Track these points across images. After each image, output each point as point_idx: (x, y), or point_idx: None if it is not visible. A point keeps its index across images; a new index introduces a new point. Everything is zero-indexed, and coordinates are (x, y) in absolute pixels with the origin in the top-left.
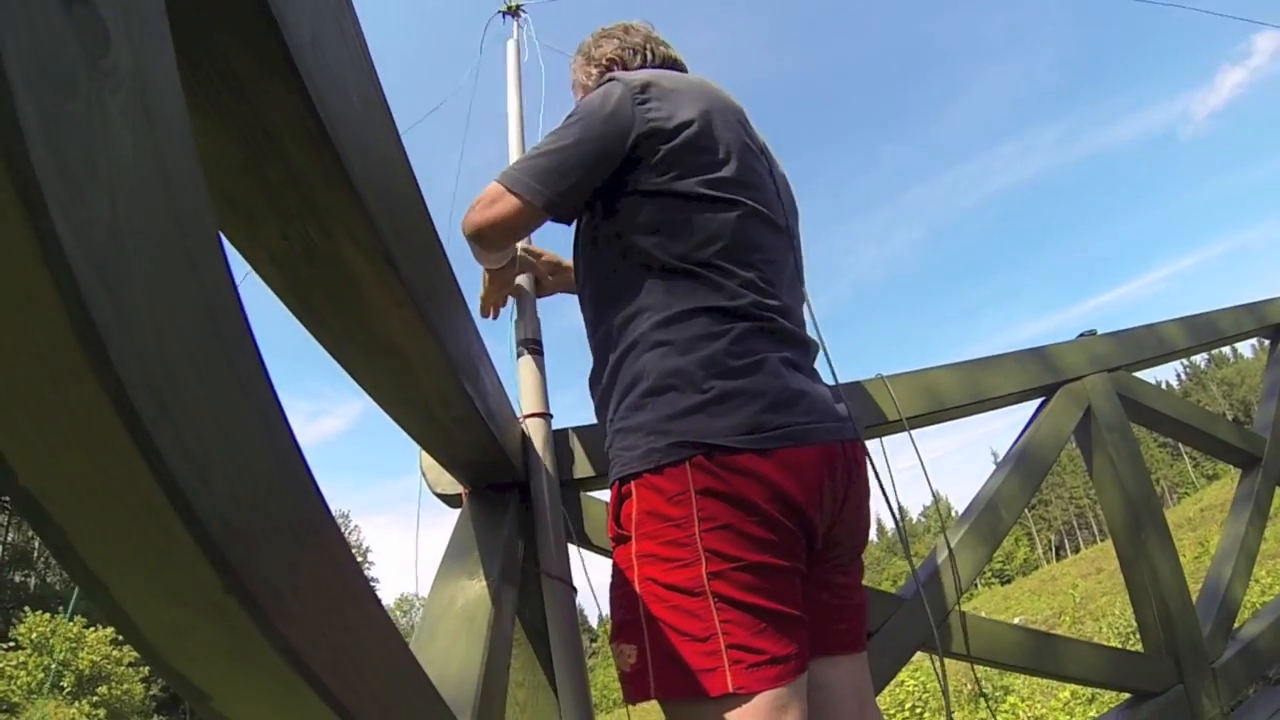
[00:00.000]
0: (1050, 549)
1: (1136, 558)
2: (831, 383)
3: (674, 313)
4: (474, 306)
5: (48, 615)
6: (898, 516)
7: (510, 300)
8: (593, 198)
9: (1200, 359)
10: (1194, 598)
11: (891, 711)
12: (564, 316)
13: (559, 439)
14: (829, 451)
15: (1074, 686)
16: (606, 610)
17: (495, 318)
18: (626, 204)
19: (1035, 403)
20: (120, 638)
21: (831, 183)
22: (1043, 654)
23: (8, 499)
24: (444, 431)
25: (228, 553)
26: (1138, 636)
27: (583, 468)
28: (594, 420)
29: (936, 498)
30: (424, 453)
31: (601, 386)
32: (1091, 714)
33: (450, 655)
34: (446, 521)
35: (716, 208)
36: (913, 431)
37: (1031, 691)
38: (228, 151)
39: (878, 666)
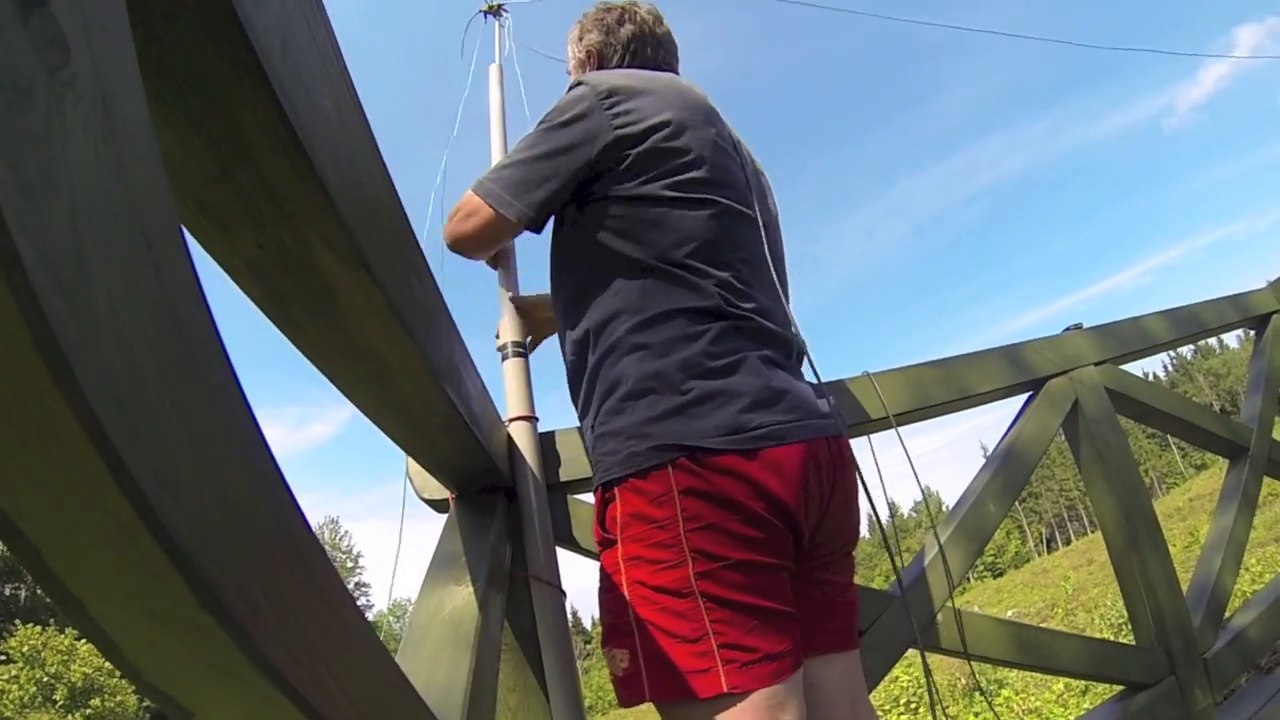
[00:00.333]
0: (1041, 541)
1: (1126, 550)
2: (814, 380)
3: (650, 315)
4: (455, 310)
5: (39, 628)
6: (888, 513)
7: (495, 303)
8: (565, 203)
9: (1186, 350)
10: (1184, 588)
11: (886, 708)
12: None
13: (545, 442)
14: (812, 449)
15: (1067, 679)
16: (598, 612)
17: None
18: (598, 208)
19: (1023, 397)
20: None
21: (818, 178)
22: (1035, 648)
23: None
24: (428, 437)
25: (202, 568)
26: (1129, 629)
27: (569, 470)
28: (579, 424)
29: (926, 494)
30: (410, 458)
31: (581, 391)
32: (1085, 705)
33: (437, 664)
34: (436, 524)
35: (689, 208)
36: (901, 429)
37: (1025, 685)
38: (200, 159)
39: (869, 664)
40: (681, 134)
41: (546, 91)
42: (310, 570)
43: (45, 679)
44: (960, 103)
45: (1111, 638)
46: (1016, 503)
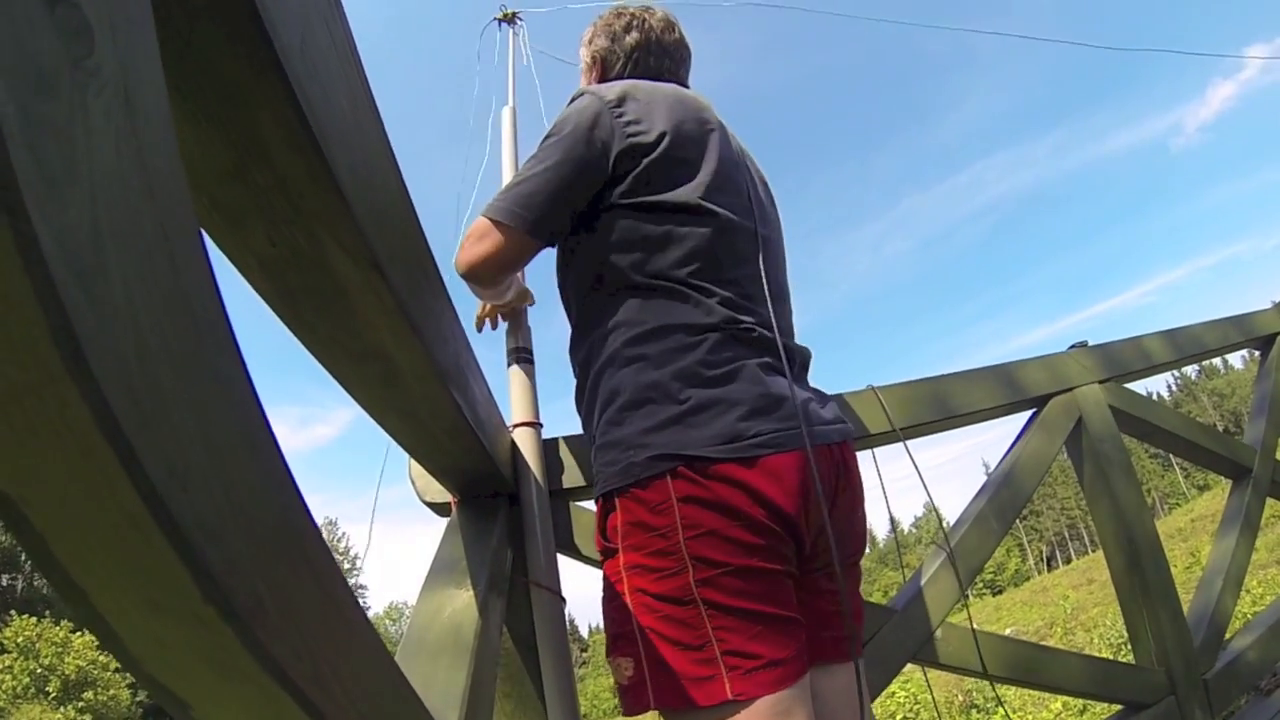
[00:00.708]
0: (1042, 559)
1: (1129, 569)
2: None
3: (650, 328)
4: (464, 315)
5: (34, 619)
6: (889, 527)
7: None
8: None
9: (1191, 370)
10: (1185, 609)
11: None
12: (553, 328)
13: (549, 448)
14: (812, 456)
15: (1066, 698)
16: (597, 620)
17: (491, 329)
18: (604, 220)
19: (1027, 414)
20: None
21: (824, 193)
22: (1035, 666)
23: None
24: (432, 440)
25: (208, 562)
26: (1129, 647)
27: (572, 477)
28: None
29: (935, 509)
30: (413, 461)
31: (584, 403)
32: None
33: (436, 667)
34: (433, 528)
35: (693, 221)
36: (907, 442)
37: (1023, 703)
38: (215, 156)
39: (869, 678)
40: (688, 144)
41: (560, 101)
42: (315, 567)
43: (39, 670)
44: (967, 118)
45: (1111, 658)
46: (1017, 520)
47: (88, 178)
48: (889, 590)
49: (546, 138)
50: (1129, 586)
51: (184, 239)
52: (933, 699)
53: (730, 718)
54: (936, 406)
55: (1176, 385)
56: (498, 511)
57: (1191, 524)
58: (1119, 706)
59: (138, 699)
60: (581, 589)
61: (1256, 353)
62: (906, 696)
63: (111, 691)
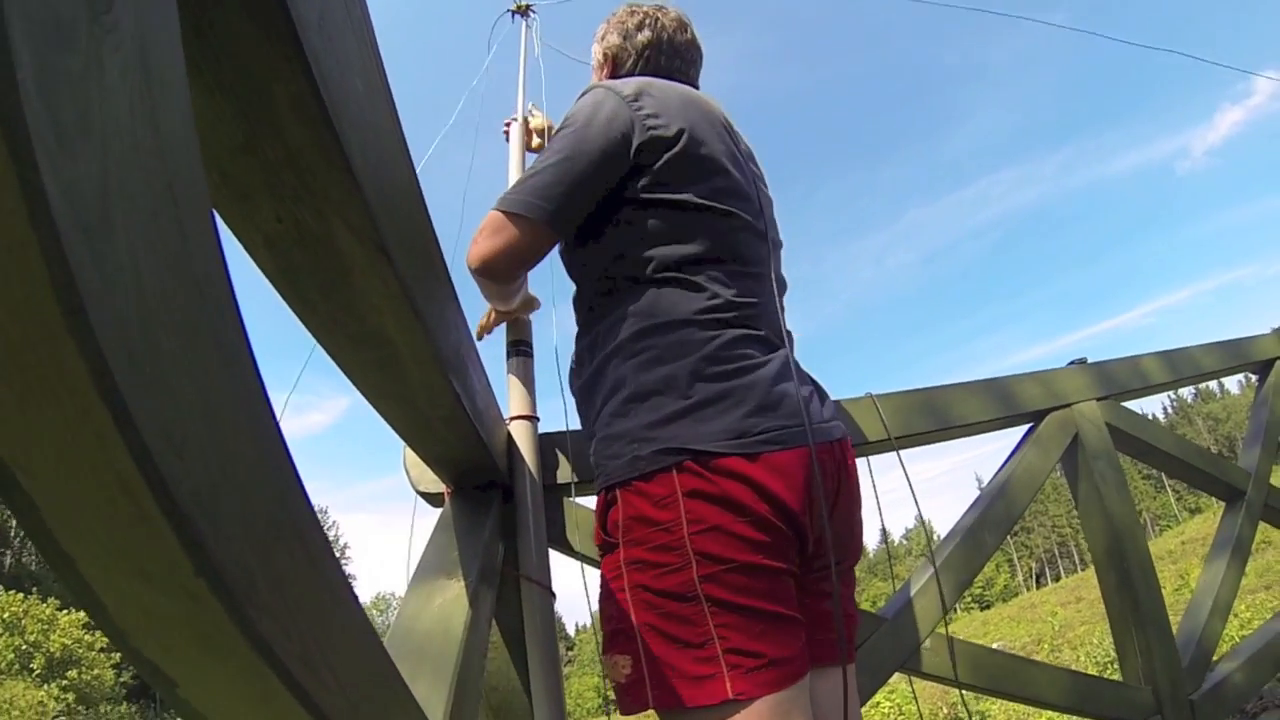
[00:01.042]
0: (1031, 576)
1: (1119, 586)
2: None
3: (661, 321)
4: (467, 306)
5: (21, 595)
6: (881, 538)
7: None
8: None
9: (1187, 393)
10: (1174, 630)
11: None
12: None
13: (545, 443)
14: (816, 453)
15: (1052, 713)
16: (583, 618)
17: (487, 336)
18: (620, 213)
19: (1024, 428)
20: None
21: (830, 202)
22: (1022, 679)
23: None
24: (429, 428)
25: (200, 533)
26: (1115, 666)
27: (567, 473)
28: (581, 426)
29: (923, 521)
30: (408, 449)
31: (585, 390)
32: None
33: (424, 655)
34: (424, 520)
35: (708, 218)
36: (901, 452)
37: (1009, 717)
38: (227, 127)
39: (857, 685)
40: (704, 143)
41: (570, 95)
42: (309, 548)
43: (24, 647)
44: (976, 133)
45: (1098, 675)
46: (1008, 535)
47: (99, 133)
48: (877, 600)
49: (560, 130)
50: (1119, 604)
51: (192, 204)
52: (918, 710)
53: (731, 717)
54: (933, 417)
55: (1172, 408)
56: (491, 504)
57: (1182, 546)
58: None
59: (122, 679)
60: (571, 587)
61: (1254, 377)
62: (891, 707)
63: (96, 671)
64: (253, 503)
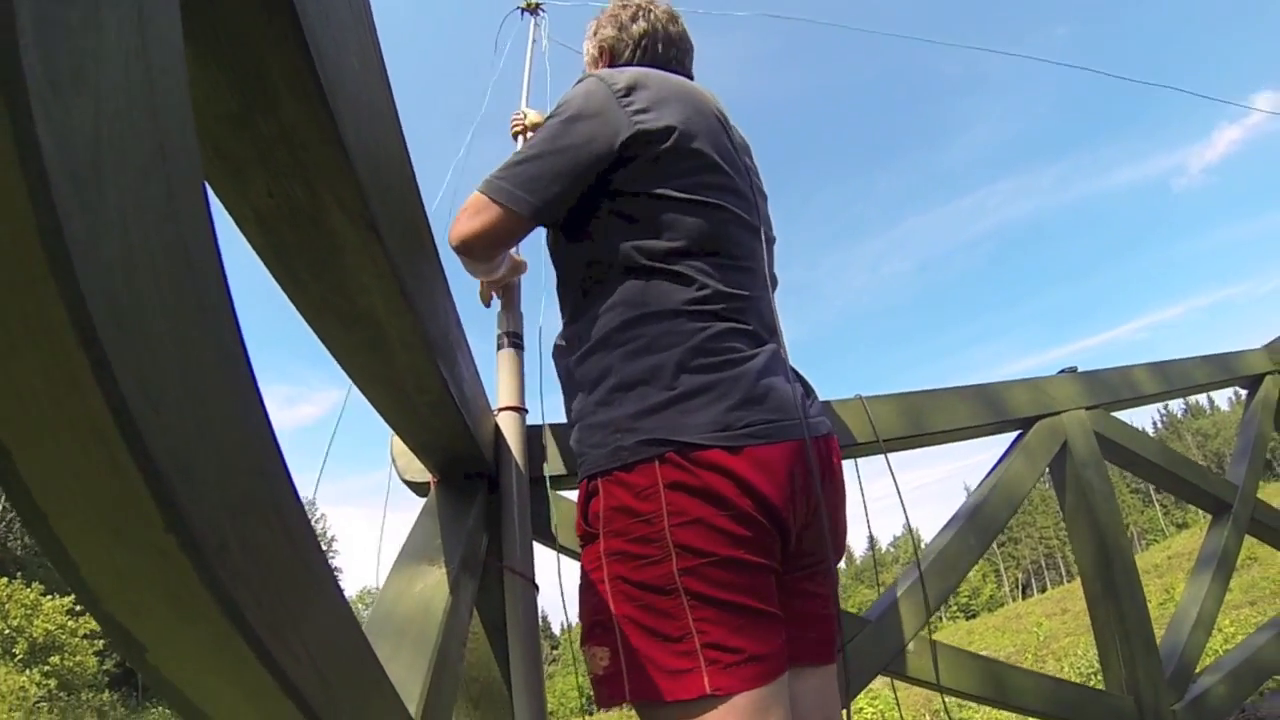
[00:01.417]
0: (1017, 587)
1: (1104, 595)
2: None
3: (649, 311)
4: (458, 292)
5: (5, 580)
6: (867, 545)
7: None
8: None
9: (1178, 409)
10: (1157, 641)
11: None
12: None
13: (532, 435)
14: (800, 448)
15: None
16: (571, 616)
17: (489, 305)
18: (609, 204)
19: (1013, 435)
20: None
21: (827, 208)
22: (1006, 685)
23: None
24: (415, 414)
25: (173, 489)
26: (1099, 678)
27: (554, 465)
28: (565, 416)
29: (910, 528)
30: (395, 439)
31: (570, 381)
32: None
33: (402, 639)
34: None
35: (698, 210)
36: (889, 455)
37: None
38: (222, 99)
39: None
40: (696, 135)
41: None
42: (285, 519)
43: (7, 632)
44: (974, 143)
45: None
46: (995, 545)
47: (94, 87)
48: (862, 607)
49: (551, 117)
50: (1104, 613)
51: (183, 163)
52: (900, 717)
53: (707, 713)
54: (922, 421)
55: (1162, 423)
56: (476, 494)
57: (1168, 560)
58: None
59: (105, 666)
60: (555, 584)
61: (1243, 393)
62: (874, 713)
63: (79, 657)
64: (229, 466)
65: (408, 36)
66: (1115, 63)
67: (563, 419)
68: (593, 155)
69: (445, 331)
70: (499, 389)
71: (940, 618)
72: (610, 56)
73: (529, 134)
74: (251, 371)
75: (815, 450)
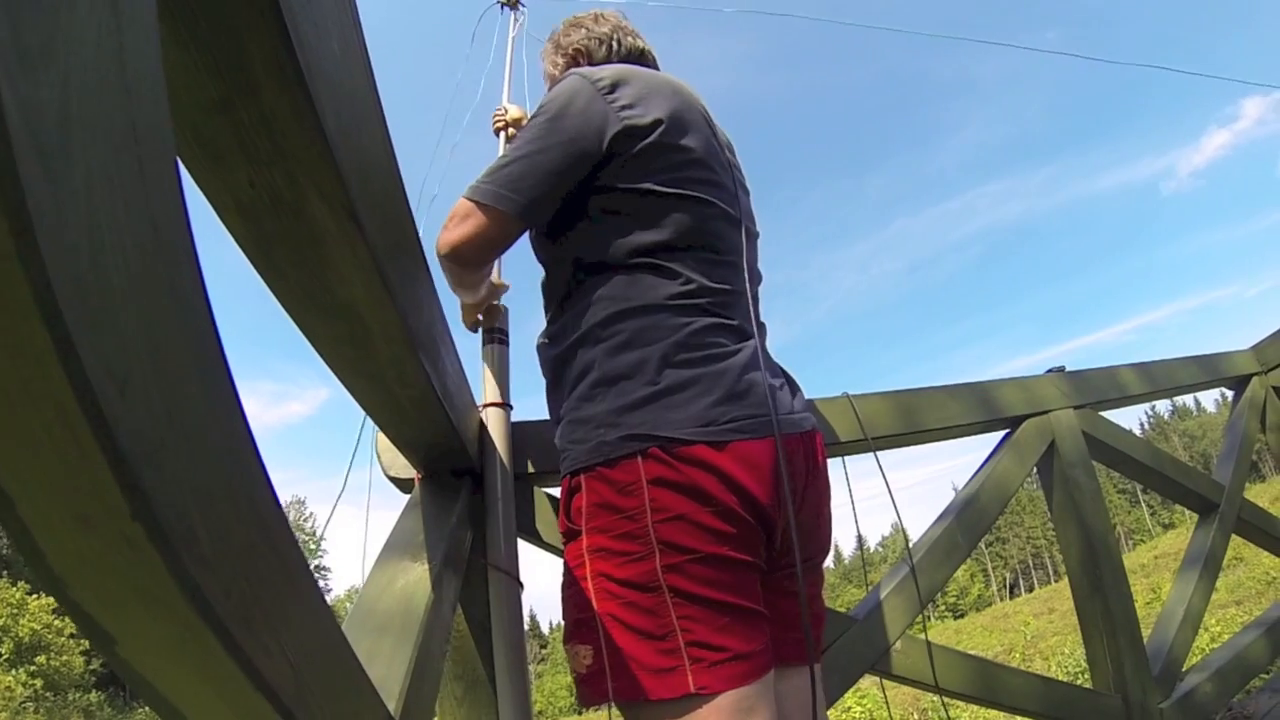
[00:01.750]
0: (1005, 587)
1: (1091, 593)
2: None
3: (633, 306)
4: (443, 289)
5: None
6: (857, 543)
7: None
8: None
9: (1164, 410)
10: (1144, 640)
11: None
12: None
13: (517, 432)
14: (785, 444)
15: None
16: (557, 617)
17: (475, 331)
18: (594, 200)
19: (1001, 434)
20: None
21: (817, 208)
22: (992, 684)
23: None
24: (398, 408)
25: (139, 475)
26: (1086, 677)
27: (539, 463)
28: (548, 411)
29: (900, 525)
30: (380, 435)
31: (554, 374)
32: None
33: (383, 635)
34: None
35: (683, 205)
36: (879, 456)
37: None
38: (201, 85)
39: (826, 685)
40: (684, 132)
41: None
42: (258, 509)
43: None
44: (964, 146)
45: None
46: (983, 545)
47: (63, 62)
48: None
49: (536, 116)
50: (1091, 611)
51: (155, 144)
52: (889, 716)
53: (692, 712)
54: (910, 419)
55: (1149, 423)
56: (460, 490)
57: (1155, 560)
58: None
59: (91, 666)
60: (542, 584)
61: (1230, 394)
62: (863, 712)
63: (65, 657)
64: (198, 454)
65: (382, 30)
66: (1104, 66)
67: (546, 416)
68: (580, 152)
69: (428, 325)
70: (484, 385)
71: (928, 617)
72: (587, 57)
73: (510, 130)
74: (224, 357)
75: (800, 446)
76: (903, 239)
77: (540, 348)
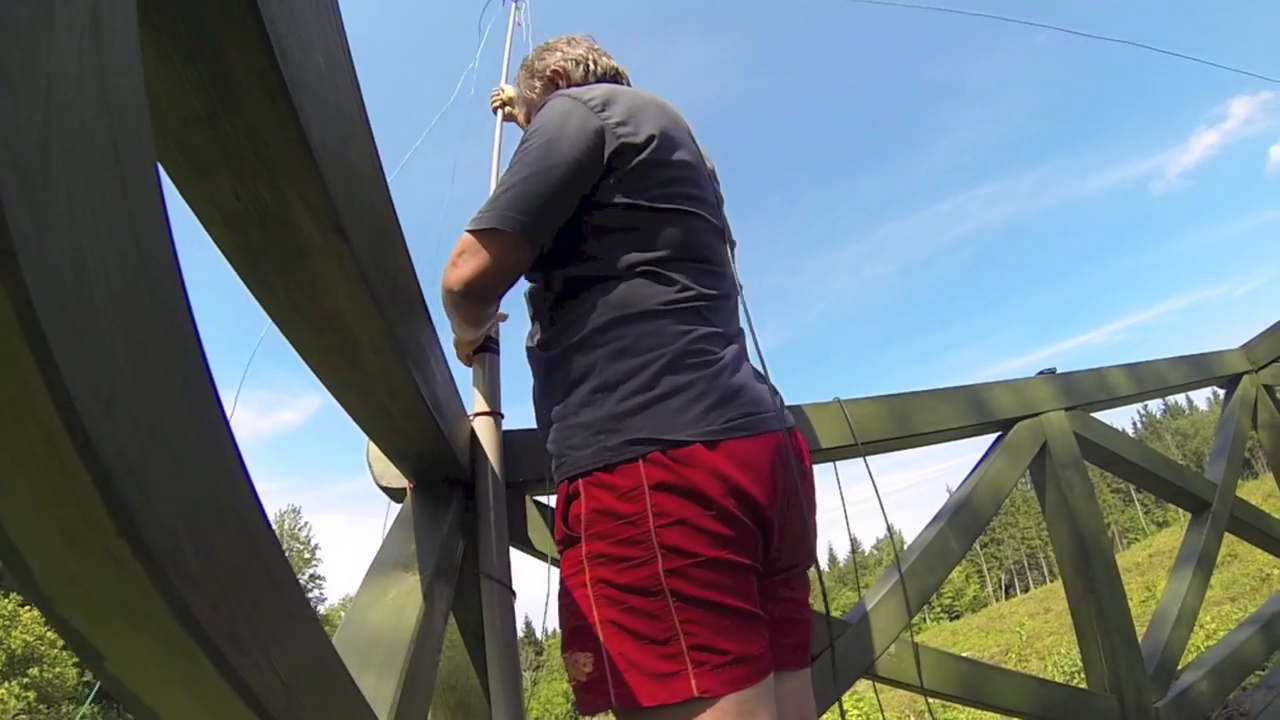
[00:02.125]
0: (1000, 587)
1: (1085, 594)
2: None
3: (631, 312)
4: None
5: None
6: (849, 547)
7: None
8: None
9: (1157, 409)
10: (1139, 639)
11: None
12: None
13: (508, 440)
14: (775, 441)
15: None
16: (552, 624)
17: (470, 365)
18: (590, 216)
19: (992, 437)
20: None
21: (809, 212)
22: (987, 686)
23: None
24: (388, 419)
25: (123, 491)
26: (1082, 677)
27: (530, 471)
28: (536, 416)
29: (890, 530)
30: (371, 445)
31: (547, 381)
32: None
33: (375, 647)
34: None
35: (675, 219)
36: (869, 459)
37: None
38: (186, 98)
39: (819, 690)
40: (674, 148)
41: None
42: (245, 524)
43: None
44: (955, 148)
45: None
46: (977, 546)
47: (44, 82)
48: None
49: (526, 143)
50: (1085, 612)
51: (137, 161)
52: (883, 719)
53: (695, 716)
54: (901, 423)
55: (1141, 422)
56: (452, 500)
57: (1149, 559)
58: None
59: (84, 679)
60: (535, 592)
61: (1221, 392)
62: (859, 715)
63: (58, 669)
64: (183, 470)
65: (381, 26)
66: (1098, 65)
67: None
68: (581, 170)
69: (417, 335)
70: (474, 394)
71: (924, 619)
72: (567, 78)
73: (507, 108)
74: (209, 372)
75: (792, 442)
76: (894, 242)
77: (530, 351)
